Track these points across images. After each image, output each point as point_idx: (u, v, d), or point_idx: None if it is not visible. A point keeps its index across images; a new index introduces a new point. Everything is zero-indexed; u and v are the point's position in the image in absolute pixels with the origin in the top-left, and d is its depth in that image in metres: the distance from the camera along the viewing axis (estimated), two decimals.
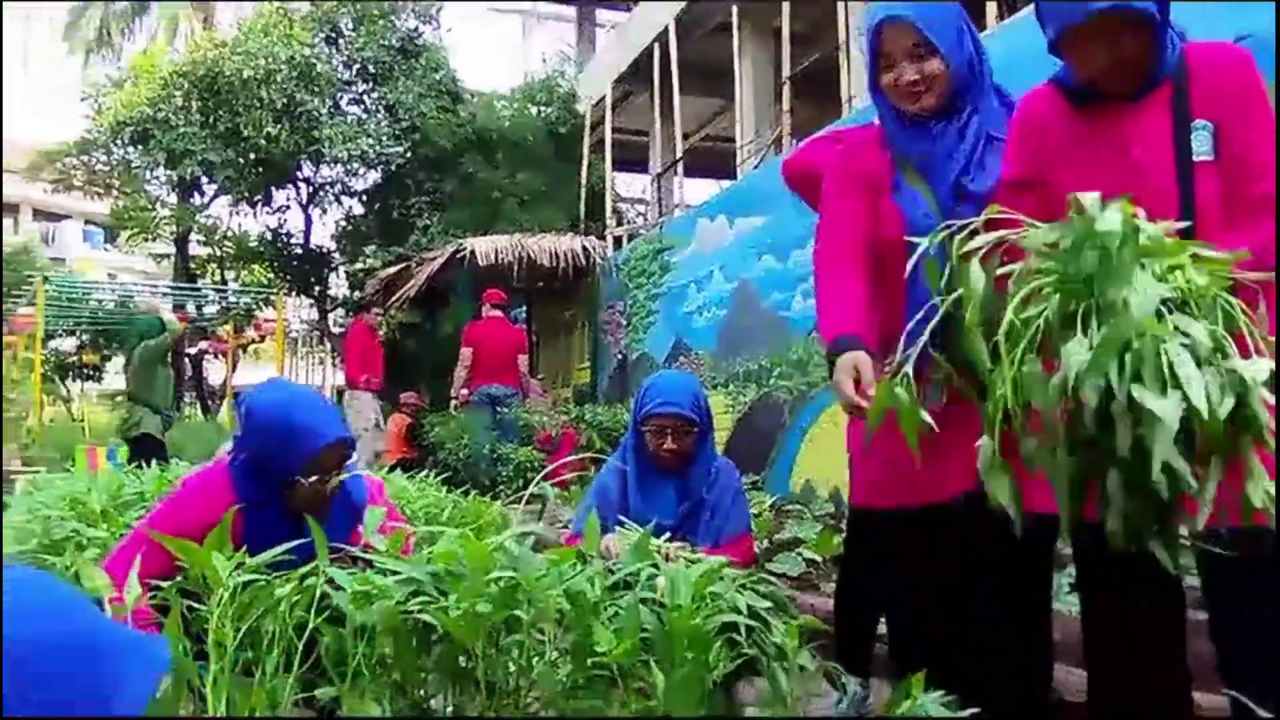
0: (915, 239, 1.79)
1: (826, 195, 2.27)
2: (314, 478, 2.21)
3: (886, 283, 2.09)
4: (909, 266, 1.79)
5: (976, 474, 1.55)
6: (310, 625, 1.62)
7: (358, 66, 13.04)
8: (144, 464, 4.34)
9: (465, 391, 8.46)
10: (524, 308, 12.33)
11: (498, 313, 8.63)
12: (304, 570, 1.68)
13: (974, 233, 1.71)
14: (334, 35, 13.03)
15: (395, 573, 1.62)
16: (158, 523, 2.18)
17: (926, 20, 2.04)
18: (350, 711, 1.59)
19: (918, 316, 1.71)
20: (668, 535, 2.41)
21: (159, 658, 0.97)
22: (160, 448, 7.28)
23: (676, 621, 1.55)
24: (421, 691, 1.63)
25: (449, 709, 1.65)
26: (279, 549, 1.71)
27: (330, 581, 1.65)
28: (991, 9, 5.92)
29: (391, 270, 11.46)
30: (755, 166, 8.97)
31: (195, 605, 1.65)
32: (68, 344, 19.01)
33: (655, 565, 1.79)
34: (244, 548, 1.72)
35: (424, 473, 4.75)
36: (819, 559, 4.33)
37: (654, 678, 1.54)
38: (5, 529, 3.66)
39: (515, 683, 1.55)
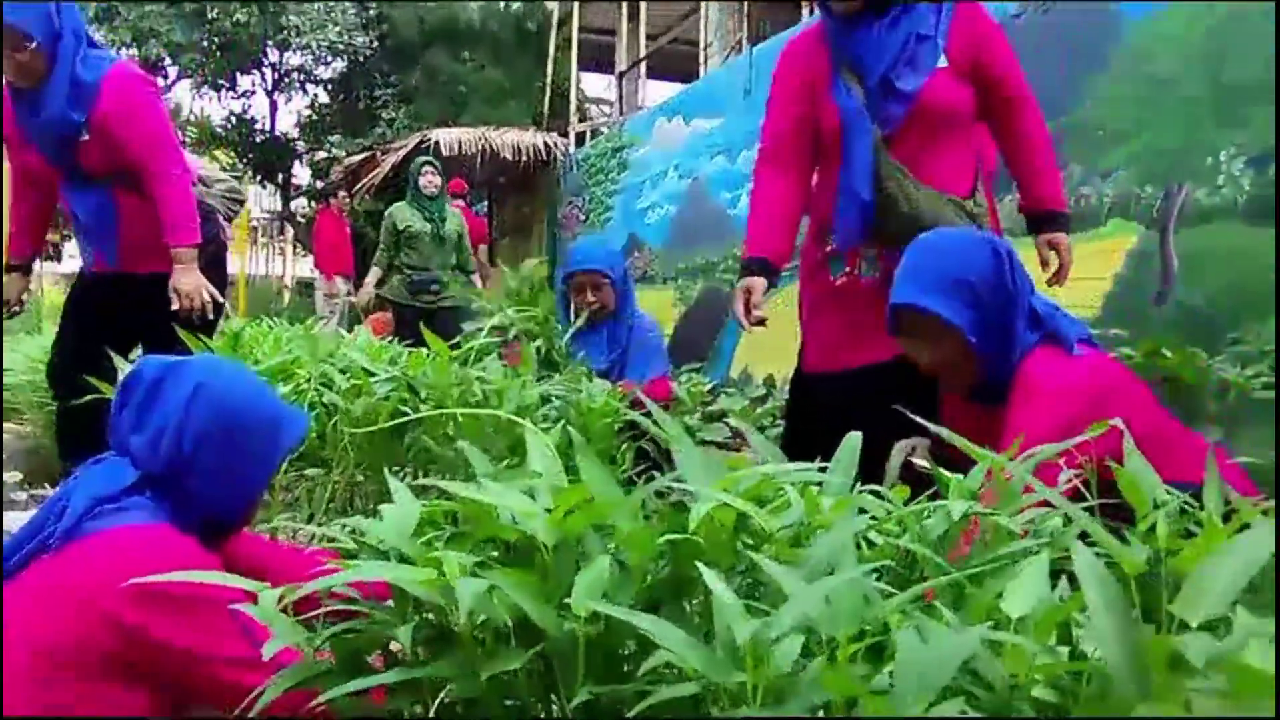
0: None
1: (770, 101, 2.41)
2: None
3: (827, 171, 2.33)
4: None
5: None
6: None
7: None
8: None
9: None
10: (485, 202, 12.58)
11: (459, 202, 8.91)
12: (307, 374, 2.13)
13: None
14: None
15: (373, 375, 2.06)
16: None
17: None
18: (334, 482, 2.05)
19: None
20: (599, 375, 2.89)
21: (302, 429, 1.42)
22: None
23: (591, 417, 2.03)
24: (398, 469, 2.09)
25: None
26: None
27: (324, 384, 2.10)
28: None
29: (356, 159, 11.66)
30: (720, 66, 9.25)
31: None
32: None
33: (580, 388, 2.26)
34: None
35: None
36: (741, 428, 4.85)
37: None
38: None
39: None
